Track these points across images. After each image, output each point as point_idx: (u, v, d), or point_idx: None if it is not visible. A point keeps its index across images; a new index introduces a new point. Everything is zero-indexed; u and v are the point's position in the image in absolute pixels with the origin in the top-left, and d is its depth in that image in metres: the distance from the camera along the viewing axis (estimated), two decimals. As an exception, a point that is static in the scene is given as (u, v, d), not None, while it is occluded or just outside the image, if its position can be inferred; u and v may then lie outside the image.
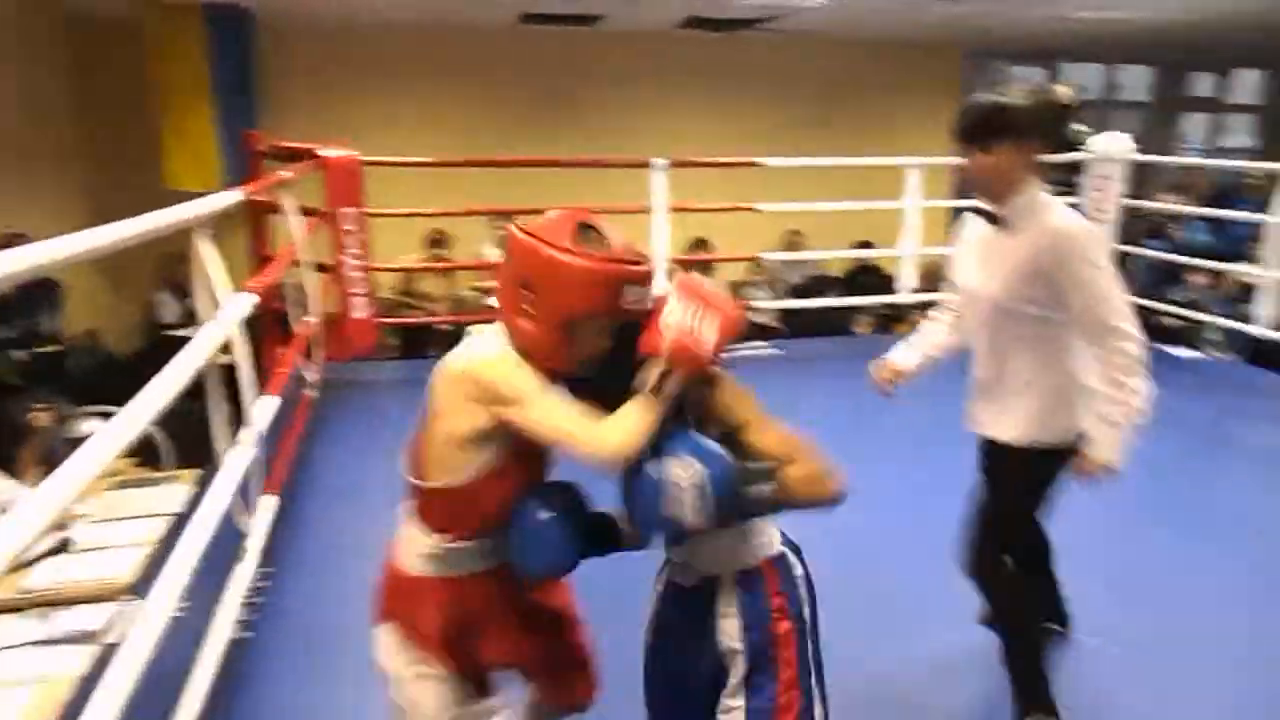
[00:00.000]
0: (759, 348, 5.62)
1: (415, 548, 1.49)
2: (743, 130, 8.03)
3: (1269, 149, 10.86)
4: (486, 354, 1.37)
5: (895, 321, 7.14)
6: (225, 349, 2.31)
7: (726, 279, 7.47)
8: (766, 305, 6.96)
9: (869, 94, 8.66)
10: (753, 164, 5.75)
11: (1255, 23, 7.16)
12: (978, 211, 2.10)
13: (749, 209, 5.75)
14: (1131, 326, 1.89)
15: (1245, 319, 5.27)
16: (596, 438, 1.31)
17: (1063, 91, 6.68)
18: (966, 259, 2.12)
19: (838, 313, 7.17)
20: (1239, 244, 6.33)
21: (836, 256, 7.60)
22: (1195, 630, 2.56)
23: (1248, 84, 11.37)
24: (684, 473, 1.27)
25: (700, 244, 7.29)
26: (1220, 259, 5.93)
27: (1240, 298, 5.85)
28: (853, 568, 2.88)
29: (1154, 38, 8.13)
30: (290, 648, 2.46)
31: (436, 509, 1.45)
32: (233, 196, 2.44)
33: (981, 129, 1.96)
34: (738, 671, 1.40)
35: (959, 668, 2.41)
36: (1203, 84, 11.15)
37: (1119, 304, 1.88)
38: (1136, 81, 10.50)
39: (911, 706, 2.26)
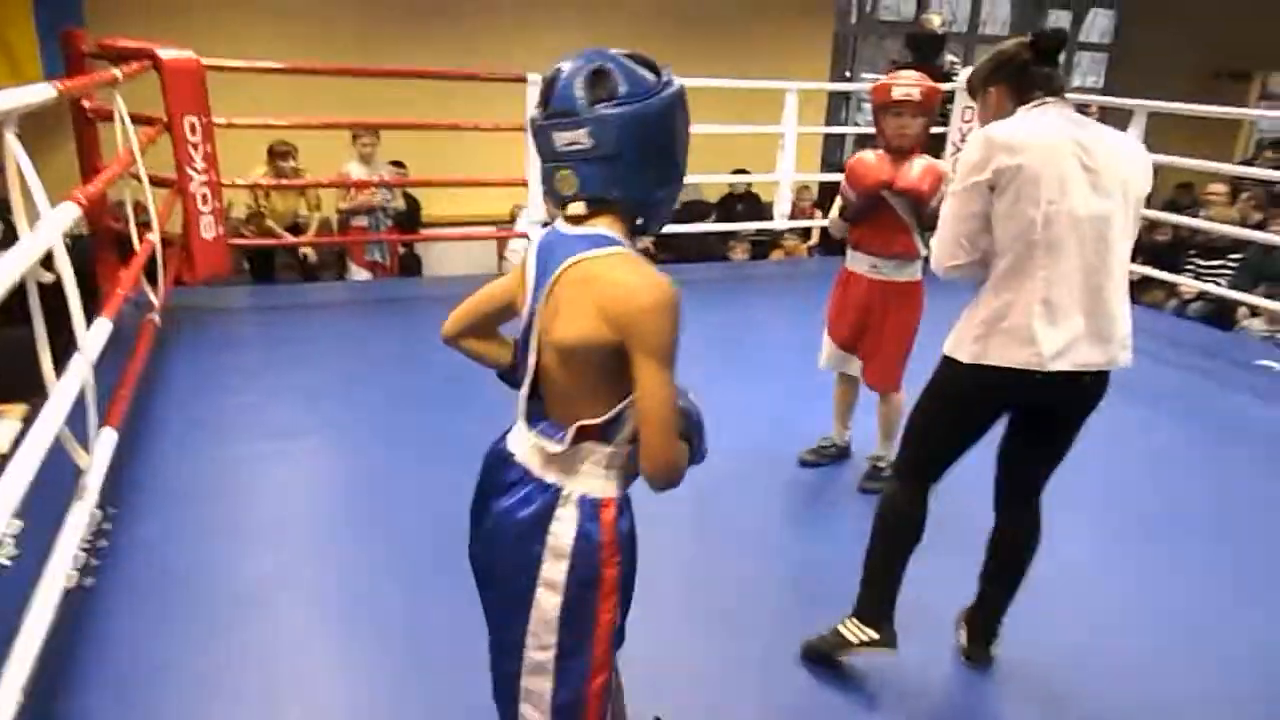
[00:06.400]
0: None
1: None
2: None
3: (1113, 87, 11.45)
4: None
5: (771, 247, 7.20)
6: (48, 266, 2.04)
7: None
8: (643, 231, 6.88)
9: (744, 16, 8.56)
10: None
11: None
12: None
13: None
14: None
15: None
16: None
17: (933, 21, 6.75)
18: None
19: (714, 239, 7.17)
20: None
21: (716, 181, 7.55)
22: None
23: (1099, 24, 11.91)
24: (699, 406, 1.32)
25: (575, 167, 7.10)
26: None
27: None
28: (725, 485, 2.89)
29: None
30: (136, 595, 2.27)
31: None
32: (44, 91, 2.13)
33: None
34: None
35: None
36: (1061, 21, 11.58)
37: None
38: (999, 16, 10.81)
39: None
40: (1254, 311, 5.29)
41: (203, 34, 5.89)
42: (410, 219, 6.62)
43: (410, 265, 6.80)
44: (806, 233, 7.21)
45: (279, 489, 2.89)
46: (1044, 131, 1.85)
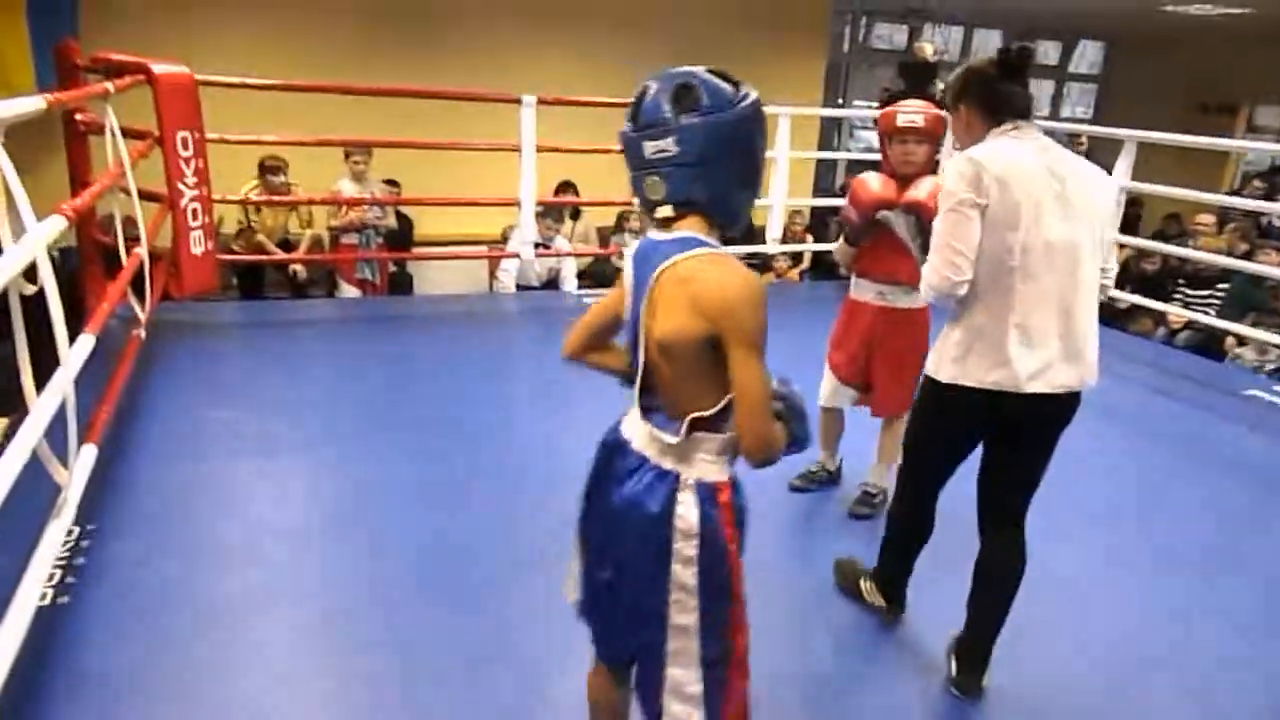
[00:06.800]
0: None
1: None
2: (613, 75, 7.84)
3: (1102, 117, 11.57)
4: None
5: (763, 270, 7.21)
6: (30, 279, 2.02)
7: (595, 224, 7.34)
8: (635, 252, 6.88)
9: (738, 40, 8.62)
10: (624, 105, 5.58)
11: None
12: None
13: (620, 151, 5.59)
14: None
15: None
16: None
17: (925, 49, 6.81)
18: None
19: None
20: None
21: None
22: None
23: (1089, 55, 12.04)
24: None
25: (566, 187, 7.11)
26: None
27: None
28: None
29: (1008, 2, 8.43)
30: (113, 612, 2.22)
31: None
32: (32, 103, 2.12)
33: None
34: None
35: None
36: (1050, 52, 11.71)
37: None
38: (990, 46, 10.92)
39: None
40: (1241, 341, 5.32)
41: (199, 47, 5.92)
42: (403, 237, 6.62)
43: (402, 284, 6.78)
44: (798, 257, 7.23)
45: (260, 506, 2.85)
46: (1021, 159, 1.91)
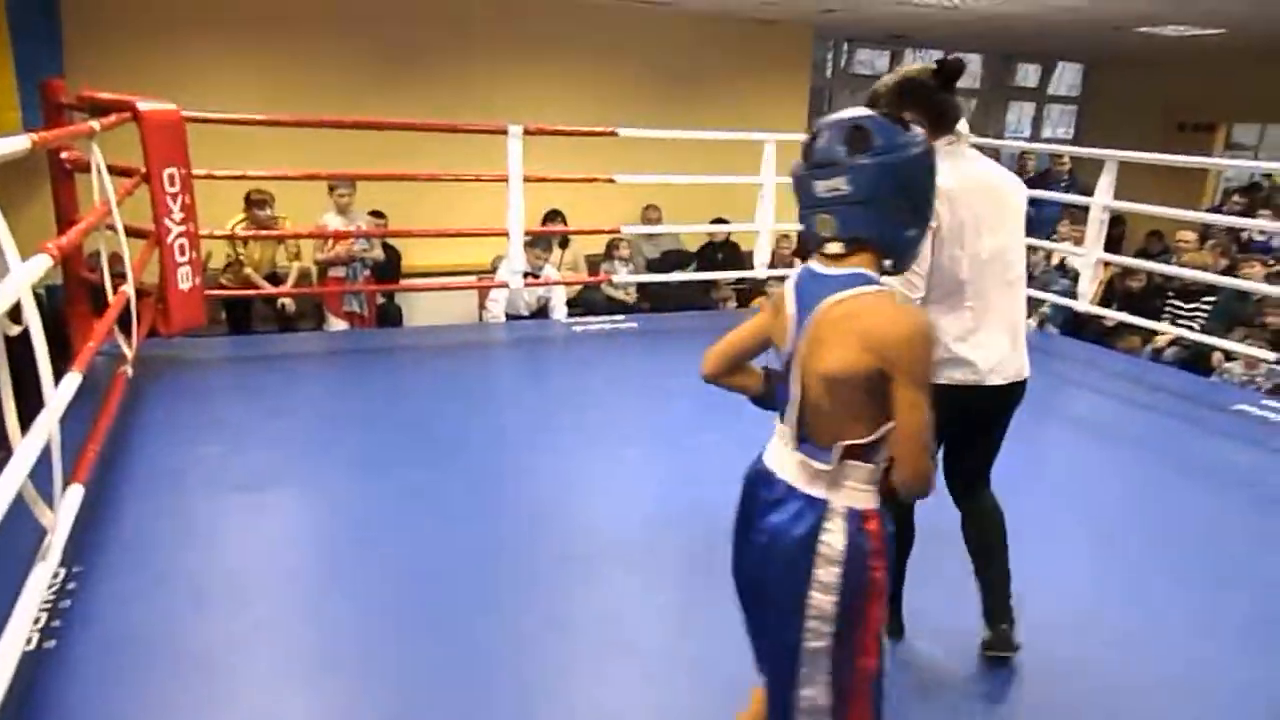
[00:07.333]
0: (618, 321, 5.55)
1: None
2: (597, 104, 7.91)
3: (1083, 138, 11.71)
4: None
5: (753, 295, 7.24)
6: (15, 319, 2.00)
7: (584, 253, 7.36)
8: (626, 280, 6.90)
9: (723, 69, 8.72)
10: (610, 134, 5.63)
11: (1074, 17, 7.63)
12: None
13: (608, 180, 5.64)
14: None
15: (1071, 295, 5.64)
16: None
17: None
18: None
19: (694, 287, 7.20)
20: (1049, 224, 6.78)
21: (699, 230, 7.61)
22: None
23: (1067, 77, 12.20)
24: None
25: (554, 216, 7.14)
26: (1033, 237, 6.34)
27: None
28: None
29: (986, 27, 8.55)
30: (99, 656, 2.18)
31: None
32: (18, 143, 2.11)
33: None
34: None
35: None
36: (1030, 75, 11.87)
37: None
38: (970, 70, 11.06)
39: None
40: (1229, 356, 5.35)
41: (184, 83, 5.94)
42: (391, 269, 6.62)
43: (390, 315, 6.77)
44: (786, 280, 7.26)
45: (249, 544, 2.82)
46: (964, 178, 2.06)
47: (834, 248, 1.41)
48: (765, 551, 1.46)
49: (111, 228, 3.59)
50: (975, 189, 2.07)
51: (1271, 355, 4.82)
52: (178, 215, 4.21)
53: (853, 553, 1.40)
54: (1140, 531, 3.17)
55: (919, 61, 10.59)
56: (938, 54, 10.97)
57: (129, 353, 3.75)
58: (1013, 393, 2.20)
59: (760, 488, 1.49)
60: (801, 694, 1.47)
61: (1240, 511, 3.39)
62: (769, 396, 1.55)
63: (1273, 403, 4.54)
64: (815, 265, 1.45)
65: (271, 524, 2.95)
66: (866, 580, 1.41)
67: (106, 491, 2.97)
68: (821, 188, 1.39)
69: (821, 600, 1.41)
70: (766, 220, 5.88)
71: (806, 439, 1.44)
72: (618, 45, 8.17)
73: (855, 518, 1.41)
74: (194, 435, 3.55)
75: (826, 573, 1.40)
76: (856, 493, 1.41)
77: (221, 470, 3.25)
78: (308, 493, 3.16)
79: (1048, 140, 11.84)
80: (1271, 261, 6.07)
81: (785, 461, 1.46)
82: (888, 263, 1.45)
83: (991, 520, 2.29)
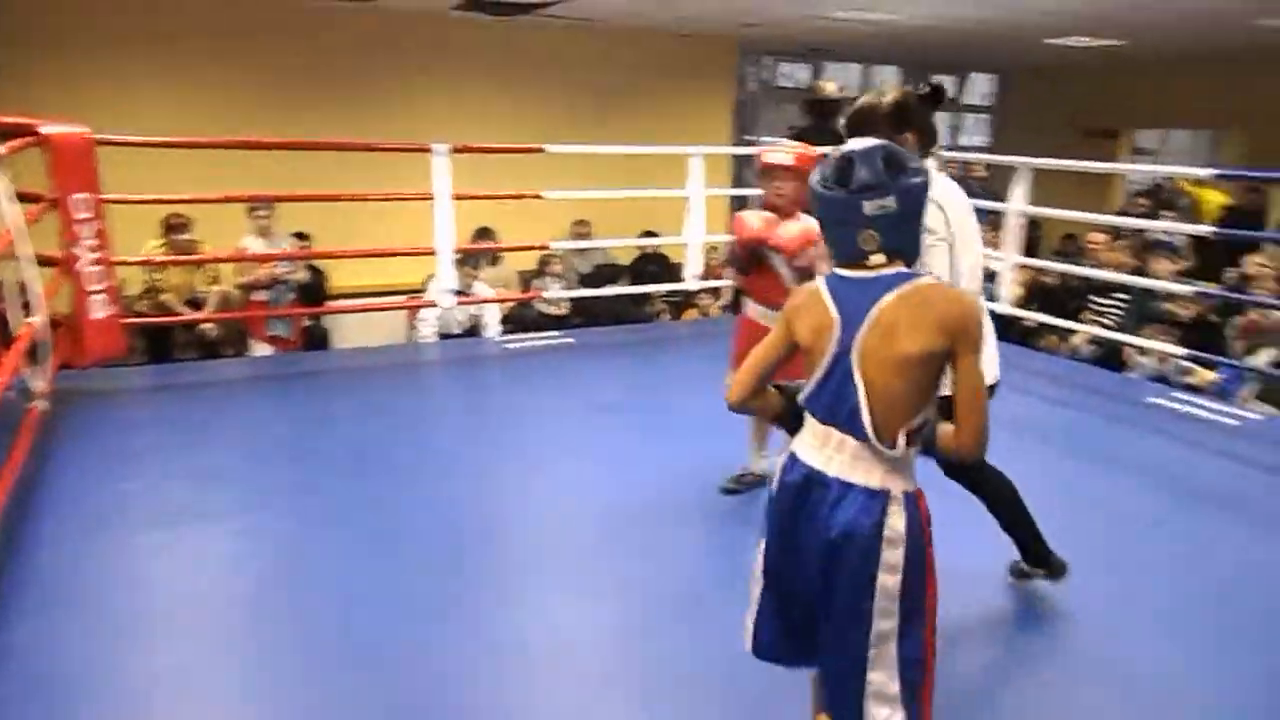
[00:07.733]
0: (552, 337, 5.53)
1: None
2: (524, 120, 7.91)
3: (997, 145, 12.11)
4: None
5: (685, 308, 7.29)
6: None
7: (516, 269, 7.33)
8: (559, 295, 6.89)
9: (648, 84, 8.80)
10: (537, 150, 5.62)
11: (985, 29, 7.91)
12: None
13: (536, 196, 5.63)
14: None
15: (991, 298, 5.81)
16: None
17: (828, 87, 6.99)
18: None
19: (627, 301, 7.22)
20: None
21: (628, 245, 7.64)
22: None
23: (979, 86, 12.61)
24: None
25: (484, 233, 7.09)
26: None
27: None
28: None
29: (902, 40, 8.80)
30: (20, 699, 2.08)
31: None
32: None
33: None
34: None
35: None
36: (946, 85, 12.21)
37: None
38: (886, 81, 11.34)
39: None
40: (1141, 351, 5.57)
41: (98, 106, 5.75)
42: (316, 291, 6.48)
43: (317, 338, 6.63)
44: (717, 292, 7.33)
45: (176, 579, 2.72)
46: (951, 191, 2.25)
47: (878, 259, 1.53)
48: (836, 548, 1.53)
49: (17, 257, 3.45)
50: (961, 202, 2.26)
51: (1180, 350, 5.04)
52: (90, 242, 4.06)
53: (914, 531, 1.52)
54: (1061, 524, 3.27)
55: (837, 74, 10.82)
56: (857, 67, 11.24)
57: (42, 386, 3.59)
58: (993, 391, 2.35)
59: (813, 491, 1.56)
60: (870, 678, 1.55)
61: (1154, 499, 3.52)
62: (788, 415, 1.65)
63: (1184, 395, 4.75)
64: (845, 273, 1.56)
65: (198, 558, 2.85)
66: (923, 556, 1.54)
67: (23, 530, 2.84)
68: (870, 207, 1.51)
69: (887, 580, 1.51)
70: (696, 232, 5.93)
71: (858, 434, 1.52)
72: (545, 63, 8.18)
73: (911, 500, 1.53)
74: (113, 470, 3.41)
75: (892, 554, 1.51)
76: (907, 475, 1.55)
77: (144, 504, 3.14)
78: (233, 526, 3.06)
79: (964, 148, 12.21)
80: (1177, 260, 6.34)
81: (834, 459, 1.54)
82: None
83: (997, 482, 2.53)
